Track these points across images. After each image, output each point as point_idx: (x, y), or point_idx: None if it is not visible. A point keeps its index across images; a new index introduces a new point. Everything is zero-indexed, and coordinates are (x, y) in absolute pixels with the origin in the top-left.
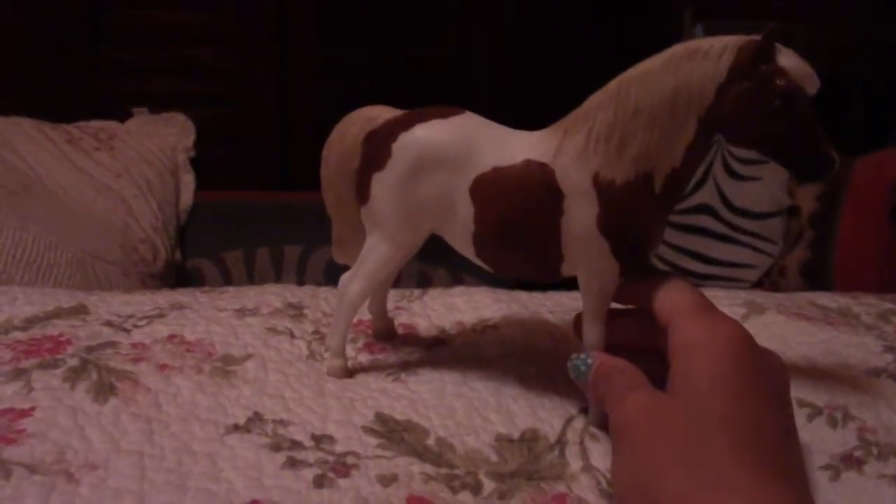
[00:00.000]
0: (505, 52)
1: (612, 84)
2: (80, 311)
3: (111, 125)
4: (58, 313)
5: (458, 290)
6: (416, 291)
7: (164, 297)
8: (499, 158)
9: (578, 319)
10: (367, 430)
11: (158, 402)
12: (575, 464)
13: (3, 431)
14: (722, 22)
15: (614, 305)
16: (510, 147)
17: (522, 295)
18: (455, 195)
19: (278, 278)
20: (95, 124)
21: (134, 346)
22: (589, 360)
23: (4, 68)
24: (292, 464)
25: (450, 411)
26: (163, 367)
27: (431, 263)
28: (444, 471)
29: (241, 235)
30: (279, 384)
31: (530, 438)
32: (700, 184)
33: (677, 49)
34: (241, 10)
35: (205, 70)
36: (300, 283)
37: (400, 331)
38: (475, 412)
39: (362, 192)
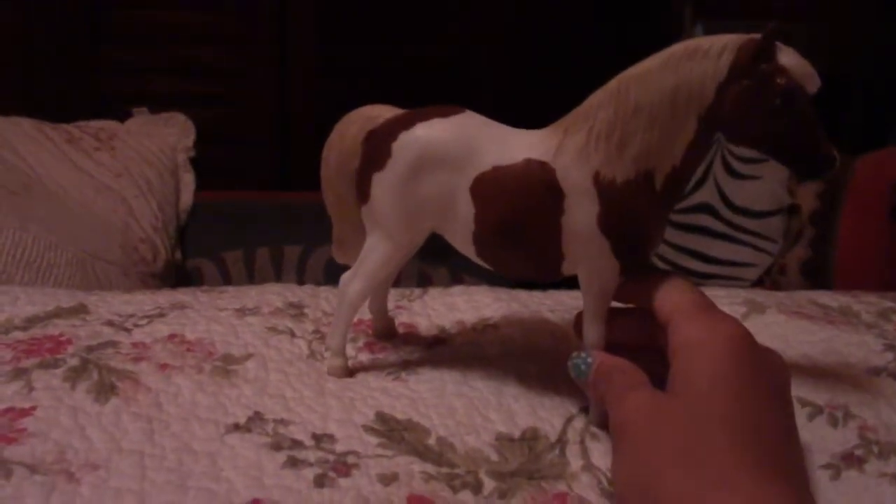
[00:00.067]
0: (505, 52)
1: (613, 83)
2: (81, 310)
3: (111, 125)
4: (58, 313)
5: (458, 289)
6: (417, 291)
7: (164, 297)
8: (499, 157)
9: (579, 318)
10: (368, 429)
11: (159, 401)
12: (575, 463)
13: (3, 431)
14: (722, 21)
15: (615, 304)
16: (510, 146)
17: (523, 294)
18: (455, 194)
19: (278, 278)
20: (95, 124)
21: (134, 345)
22: (589, 360)
23: (4, 68)
24: (293, 463)
25: (450, 410)
26: (163, 366)
27: (432, 263)
28: (444, 470)
29: (241, 235)
30: (280, 383)
31: (531, 437)
32: (700, 182)
33: (677, 48)
34: (241, 10)
35: (205, 70)
36: (300, 282)
37: (400, 330)
38: (476, 411)
39: (362, 192)
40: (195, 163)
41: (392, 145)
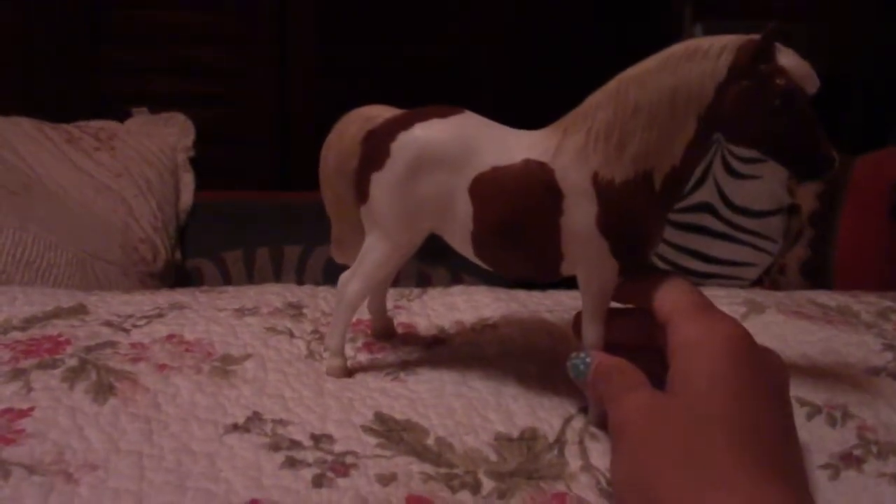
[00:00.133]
0: (505, 52)
1: (612, 83)
2: (80, 311)
3: (111, 125)
4: (57, 313)
5: (457, 289)
6: (416, 290)
7: (163, 297)
8: (498, 158)
9: (578, 318)
10: (367, 429)
11: (157, 402)
12: (574, 463)
13: (2, 432)
14: (721, 21)
15: (613, 304)
16: (509, 146)
17: (522, 294)
18: (454, 195)
19: (278, 278)
20: (95, 124)
21: (133, 346)
22: (588, 360)
23: (4, 68)
24: (291, 463)
25: (449, 411)
26: (162, 367)
27: (431, 263)
28: (443, 470)
29: (241, 235)
30: (278, 384)
31: (529, 437)
32: (700, 182)
33: (676, 48)
34: (241, 10)
35: (205, 70)
36: (300, 282)
37: (399, 330)
38: (474, 411)
39: (361, 192)
40: (195, 163)
41: (391, 145)
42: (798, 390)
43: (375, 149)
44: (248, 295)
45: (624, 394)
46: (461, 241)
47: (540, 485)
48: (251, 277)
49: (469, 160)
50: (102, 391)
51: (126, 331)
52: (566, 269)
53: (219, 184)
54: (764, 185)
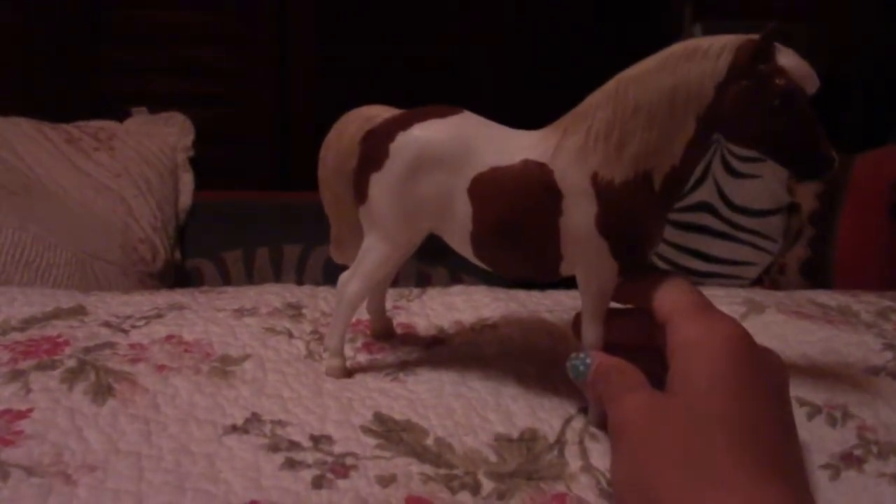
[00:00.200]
0: (505, 52)
1: (611, 83)
2: (79, 311)
3: (111, 125)
4: (56, 314)
5: (456, 289)
6: (415, 291)
7: (162, 298)
8: (497, 158)
9: (577, 319)
10: (366, 430)
11: (156, 402)
12: (574, 463)
13: (0, 433)
14: (721, 21)
15: (613, 304)
16: (508, 147)
17: (521, 294)
18: (453, 195)
19: (277, 278)
20: (95, 124)
21: (132, 346)
22: (588, 360)
23: (4, 68)
24: (291, 464)
25: (448, 411)
26: (161, 367)
27: (430, 263)
28: (442, 471)
29: (241, 235)
30: (277, 384)
31: (529, 438)
32: (699, 182)
33: (676, 48)
34: (241, 10)
35: (205, 70)
36: (299, 282)
37: (398, 330)
38: (474, 412)
39: (360, 192)
40: (195, 163)
41: (389, 146)
42: (798, 390)
43: (374, 149)
44: (248, 295)
45: (623, 394)
46: (460, 242)
47: (540, 485)
48: (251, 277)
49: (468, 160)
50: (101, 392)
51: (125, 331)
52: (565, 270)
53: (218, 184)
54: (764, 184)
